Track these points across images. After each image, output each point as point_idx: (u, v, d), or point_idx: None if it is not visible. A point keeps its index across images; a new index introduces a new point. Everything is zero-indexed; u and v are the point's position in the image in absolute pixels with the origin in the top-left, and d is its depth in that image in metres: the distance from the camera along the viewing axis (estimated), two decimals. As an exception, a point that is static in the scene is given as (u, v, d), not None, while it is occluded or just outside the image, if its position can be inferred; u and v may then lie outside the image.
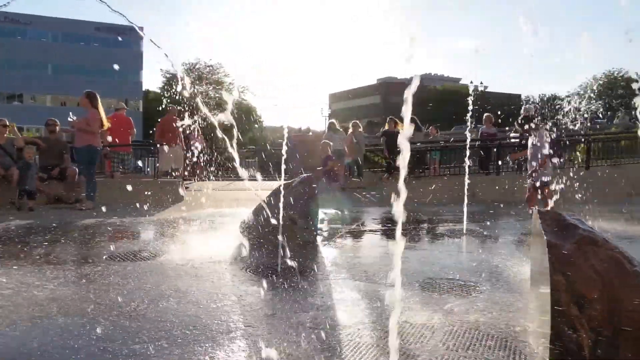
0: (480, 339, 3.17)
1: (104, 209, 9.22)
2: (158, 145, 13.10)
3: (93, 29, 67.05)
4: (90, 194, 9.53)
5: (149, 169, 16.61)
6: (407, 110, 2.02)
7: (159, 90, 71.65)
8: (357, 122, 15.79)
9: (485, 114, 16.15)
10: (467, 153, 9.23)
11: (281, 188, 6.23)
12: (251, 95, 69.60)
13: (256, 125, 67.60)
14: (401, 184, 1.97)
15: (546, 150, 7.47)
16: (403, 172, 2.04)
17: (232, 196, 13.19)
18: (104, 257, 5.58)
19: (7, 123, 9.74)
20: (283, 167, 6.03)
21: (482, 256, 5.99)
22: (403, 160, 2.07)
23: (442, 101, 70.50)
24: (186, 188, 13.06)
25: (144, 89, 72.27)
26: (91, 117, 9.49)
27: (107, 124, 9.78)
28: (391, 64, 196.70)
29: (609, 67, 65.07)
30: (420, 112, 19.05)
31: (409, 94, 2.01)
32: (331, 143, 11.79)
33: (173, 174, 13.25)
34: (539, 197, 7.67)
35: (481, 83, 47.32)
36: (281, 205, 6.07)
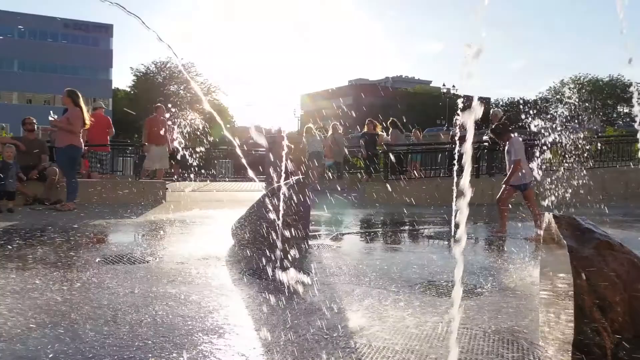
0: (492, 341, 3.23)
1: (86, 210, 9.07)
2: (145, 144, 12.88)
3: (61, 26, 65.66)
4: (72, 194, 9.32)
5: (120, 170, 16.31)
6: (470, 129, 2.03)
7: (128, 89, 70.69)
8: (337, 124, 15.87)
9: (456, 117, 16.34)
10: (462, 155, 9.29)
11: (281, 189, 6.23)
12: (223, 95, 69.04)
13: (227, 125, 67.16)
14: (466, 183, 1.98)
15: (521, 155, 7.58)
16: (467, 171, 2.06)
17: (215, 197, 13.09)
18: (97, 260, 5.47)
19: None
20: (283, 168, 5.94)
21: (477, 258, 6.09)
22: (467, 159, 2.08)
23: (414, 103, 71.22)
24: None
25: (113, 88, 71.08)
26: (73, 115, 9.28)
27: (89, 123, 9.57)
28: (362, 66, 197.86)
29: (575, 72, 66.83)
30: (392, 115, 19.23)
31: (471, 116, 2.02)
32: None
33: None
34: (524, 202, 7.79)
35: (453, 86, 47.85)
36: (280, 206, 6.06)
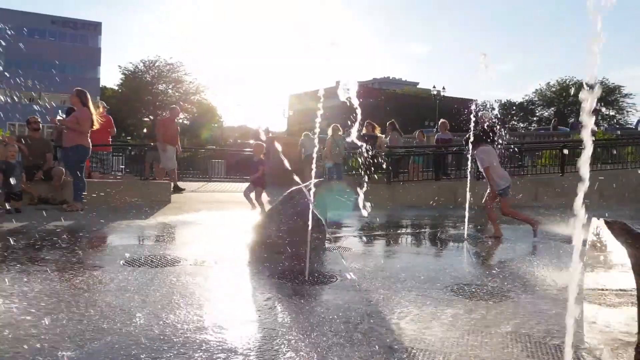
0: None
1: (93, 211, 8.99)
2: (160, 145, 12.94)
3: (49, 23, 64.90)
4: (78, 195, 9.25)
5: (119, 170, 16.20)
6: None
7: (116, 87, 70.05)
8: (337, 125, 15.84)
9: (441, 120, 16.38)
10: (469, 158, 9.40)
11: (309, 188, 6.26)
12: (211, 95, 68.73)
13: (214, 125, 66.85)
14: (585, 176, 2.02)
15: (489, 163, 7.80)
16: (585, 166, 2.10)
17: (216, 198, 13.04)
18: (121, 263, 5.45)
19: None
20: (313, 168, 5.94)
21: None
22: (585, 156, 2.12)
23: (402, 105, 71.37)
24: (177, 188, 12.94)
25: (101, 86, 70.41)
26: (82, 116, 9.21)
27: (97, 124, 9.51)
28: (349, 67, 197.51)
29: (562, 75, 67.52)
30: (382, 116, 19.35)
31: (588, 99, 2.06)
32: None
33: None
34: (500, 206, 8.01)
35: (443, 88, 48.10)
36: (310, 206, 6.07)
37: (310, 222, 5.84)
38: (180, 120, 66.17)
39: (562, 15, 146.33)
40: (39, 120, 10.45)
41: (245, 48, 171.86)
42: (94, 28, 67.51)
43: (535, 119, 64.45)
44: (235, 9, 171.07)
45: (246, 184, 10.78)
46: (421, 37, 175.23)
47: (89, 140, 9.46)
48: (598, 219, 3.46)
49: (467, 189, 8.25)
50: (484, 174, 8.03)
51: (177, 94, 67.30)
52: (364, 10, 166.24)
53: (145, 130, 22.07)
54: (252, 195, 10.05)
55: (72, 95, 9.45)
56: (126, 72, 65.97)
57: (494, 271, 5.57)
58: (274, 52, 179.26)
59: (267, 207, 9.22)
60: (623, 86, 59.60)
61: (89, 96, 9.52)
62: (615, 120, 59.27)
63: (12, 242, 6.19)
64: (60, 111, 9.51)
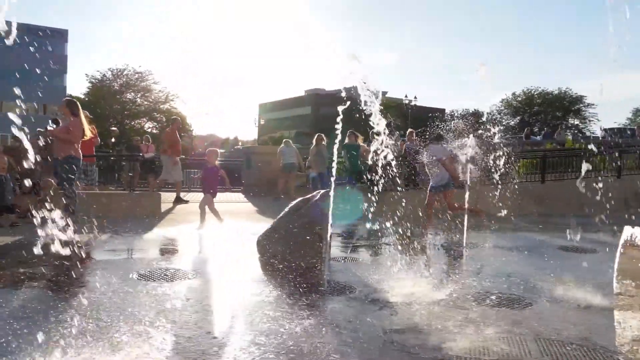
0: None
1: (86, 224, 8.79)
2: (165, 157, 13.01)
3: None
4: (71, 208, 9.04)
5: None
6: None
7: (83, 96, 68.63)
8: (322, 135, 15.90)
9: (408, 130, 16.45)
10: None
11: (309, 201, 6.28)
12: (181, 103, 67.91)
13: (183, 134, 66.11)
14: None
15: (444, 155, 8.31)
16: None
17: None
18: (134, 277, 5.37)
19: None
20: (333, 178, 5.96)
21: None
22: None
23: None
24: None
25: (67, 94, 68.87)
26: (73, 125, 9.03)
27: (89, 134, 9.34)
28: (318, 76, 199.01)
29: (524, 85, 69.13)
30: (353, 125, 19.39)
31: None
32: (219, 151, 11.91)
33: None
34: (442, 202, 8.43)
35: (415, 97, 48.72)
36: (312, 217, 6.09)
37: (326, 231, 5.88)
38: (150, 130, 65.37)
39: (524, 26, 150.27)
40: (27, 131, 10.17)
41: (214, 57, 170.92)
42: (61, 35, 66.08)
43: (502, 127, 65.69)
44: (204, 19, 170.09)
45: (227, 195, 10.68)
46: (388, 45, 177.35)
47: (79, 150, 9.29)
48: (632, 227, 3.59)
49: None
50: (440, 165, 8.44)
51: (146, 102, 66.34)
52: (330, 17, 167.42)
53: (113, 140, 21.74)
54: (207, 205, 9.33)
55: (62, 106, 9.28)
56: (93, 80, 64.73)
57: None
58: (241, 61, 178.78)
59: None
60: (585, 96, 61.44)
61: (79, 105, 9.35)
62: (577, 130, 60.89)
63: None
64: (50, 121, 9.28)
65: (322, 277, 5.58)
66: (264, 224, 9.67)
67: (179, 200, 12.83)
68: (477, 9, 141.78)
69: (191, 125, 72.08)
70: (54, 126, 9.20)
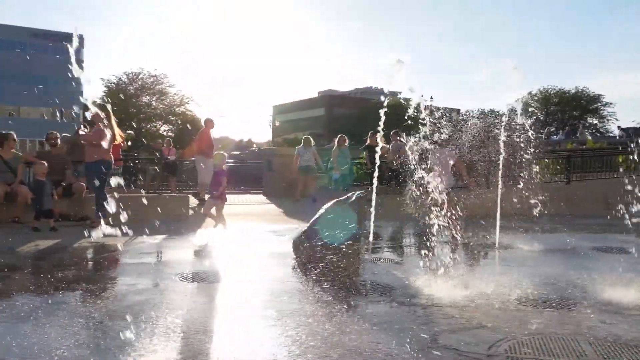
0: None
1: (125, 228, 8.87)
2: (199, 158, 12.87)
3: (30, 35, 64.08)
4: (104, 211, 9.14)
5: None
6: None
7: (98, 100, 69.29)
8: (344, 136, 15.92)
9: (392, 131, 15.97)
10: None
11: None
12: (196, 106, 68.28)
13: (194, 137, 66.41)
14: None
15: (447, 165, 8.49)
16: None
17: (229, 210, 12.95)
18: (177, 279, 5.44)
19: (15, 137, 9.22)
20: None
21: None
22: None
23: (386, 114, 71.63)
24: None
25: (85, 99, 69.59)
26: (104, 130, 9.14)
27: (119, 138, 9.45)
28: (331, 77, 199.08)
29: (537, 85, 68.32)
30: (366, 126, 19.33)
31: None
32: (226, 155, 11.43)
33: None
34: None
35: (431, 98, 48.51)
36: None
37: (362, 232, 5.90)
38: (165, 132, 65.81)
39: (534, 25, 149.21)
40: (58, 135, 10.33)
41: (228, 61, 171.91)
42: (78, 40, 66.70)
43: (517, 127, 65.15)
44: (216, 24, 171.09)
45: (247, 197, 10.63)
46: (400, 46, 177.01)
47: (111, 154, 9.40)
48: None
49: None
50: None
51: (161, 105, 66.88)
52: (339, 18, 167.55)
53: (129, 143, 21.89)
54: (213, 210, 9.19)
55: (94, 110, 9.37)
56: (109, 84, 65.36)
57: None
58: (256, 64, 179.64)
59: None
60: (603, 95, 60.82)
61: (110, 111, 9.47)
62: (594, 129, 60.30)
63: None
64: (82, 125, 9.41)
65: (362, 278, 5.63)
66: (292, 225, 9.78)
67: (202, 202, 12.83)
68: (490, 9, 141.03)
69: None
70: (86, 130, 9.31)
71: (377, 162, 9.88)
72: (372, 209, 7.69)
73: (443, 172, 8.55)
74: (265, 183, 17.28)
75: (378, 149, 9.65)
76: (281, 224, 10.20)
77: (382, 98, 5.88)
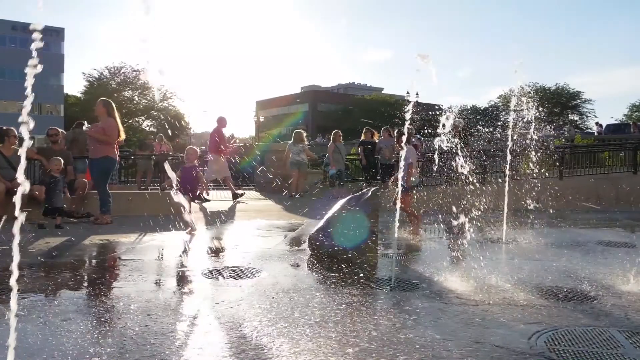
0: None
1: (123, 223, 8.82)
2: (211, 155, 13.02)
3: (9, 29, 62.78)
4: (105, 207, 9.08)
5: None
6: None
7: (79, 95, 68.34)
8: (339, 132, 15.96)
9: (383, 128, 16.09)
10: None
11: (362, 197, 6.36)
12: (179, 101, 67.76)
13: (176, 133, 65.85)
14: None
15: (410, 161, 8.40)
16: None
17: (240, 207, 12.88)
18: (201, 276, 5.45)
19: (16, 133, 9.07)
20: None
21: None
22: None
23: (369, 110, 71.86)
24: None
25: (64, 93, 68.55)
26: (109, 126, 9.07)
27: (123, 135, 9.38)
28: (314, 73, 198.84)
29: (525, 80, 68.82)
30: (351, 122, 19.48)
31: None
32: (198, 150, 11.44)
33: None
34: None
35: (417, 94, 48.68)
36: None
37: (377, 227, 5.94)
38: (148, 128, 65.07)
39: (518, 21, 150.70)
40: (59, 131, 10.19)
41: (210, 56, 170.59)
42: (57, 34, 65.61)
43: (499, 123, 65.98)
44: (201, 18, 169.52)
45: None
46: (383, 42, 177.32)
47: (115, 151, 9.33)
48: None
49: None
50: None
51: (144, 100, 66.22)
52: (323, 15, 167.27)
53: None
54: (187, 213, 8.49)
55: (98, 105, 9.28)
56: (90, 79, 64.51)
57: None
58: (238, 59, 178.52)
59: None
60: (582, 92, 61.78)
61: (114, 106, 9.39)
62: (574, 126, 61.16)
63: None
64: (86, 122, 9.31)
65: (382, 272, 5.71)
66: (296, 221, 9.82)
67: (235, 196, 13.02)
68: (471, 6, 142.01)
69: (189, 123, 71.82)
70: (89, 126, 9.21)
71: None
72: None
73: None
74: (257, 179, 17.24)
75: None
76: (287, 220, 10.22)
77: (406, 96, 5.86)
